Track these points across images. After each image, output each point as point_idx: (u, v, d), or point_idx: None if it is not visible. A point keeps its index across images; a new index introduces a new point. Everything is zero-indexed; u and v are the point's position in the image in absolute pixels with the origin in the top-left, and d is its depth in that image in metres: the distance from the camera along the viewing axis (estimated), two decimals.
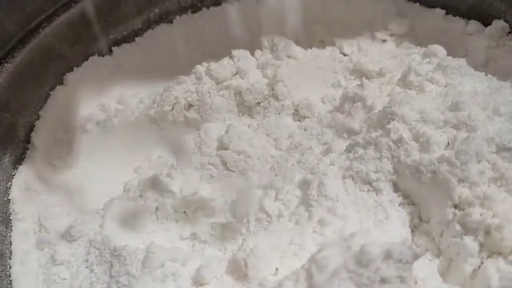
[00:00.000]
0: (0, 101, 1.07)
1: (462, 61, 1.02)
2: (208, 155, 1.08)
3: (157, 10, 1.28)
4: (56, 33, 1.16)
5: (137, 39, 1.29)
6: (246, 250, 0.83)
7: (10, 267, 0.99)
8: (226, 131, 1.09)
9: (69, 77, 1.21)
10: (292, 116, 1.11)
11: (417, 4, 1.22)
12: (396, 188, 0.90)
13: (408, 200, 0.89)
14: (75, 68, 1.22)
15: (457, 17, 1.18)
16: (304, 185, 0.94)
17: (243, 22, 1.28)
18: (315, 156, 0.98)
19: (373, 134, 0.92)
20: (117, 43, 1.28)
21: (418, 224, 0.88)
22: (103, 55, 1.26)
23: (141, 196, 1.01)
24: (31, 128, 1.14)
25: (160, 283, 0.85)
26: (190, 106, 1.13)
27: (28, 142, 1.13)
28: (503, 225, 0.74)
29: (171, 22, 1.31)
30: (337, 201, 0.89)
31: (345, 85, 1.13)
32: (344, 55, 1.20)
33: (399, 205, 0.89)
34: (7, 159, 1.08)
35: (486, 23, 1.13)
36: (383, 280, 0.66)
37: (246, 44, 1.18)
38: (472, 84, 0.96)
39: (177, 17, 1.31)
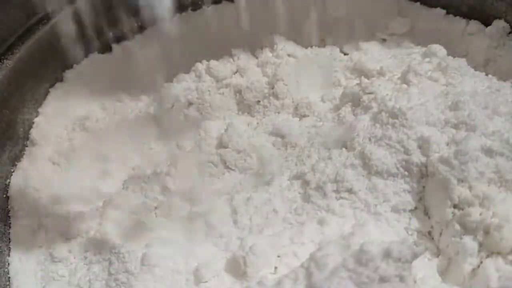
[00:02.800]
0: None
1: (462, 61, 1.02)
2: (207, 153, 1.08)
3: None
4: (56, 30, 1.16)
5: (137, 36, 1.29)
6: (245, 248, 0.83)
7: (9, 264, 0.99)
8: (226, 130, 1.08)
9: (69, 74, 1.20)
10: (292, 114, 1.11)
11: (418, 3, 1.22)
12: None
13: None
14: (74, 65, 1.22)
15: (458, 17, 1.18)
16: (304, 183, 0.94)
17: (244, 21, 1.28)
18: (315, 155, 0.98)
19: (373, 133, 0.92)
20: (117, 40, 1.27)
21: None
22: (102, 53, 1.26)
23: (140, 194, 1.01)
24: (30, 125, 1.14)
25: (159, 281, 0.85)
26: (189, 104, 1.13)
27: (27, 139, 1.13)
28: (502, 225, 0.74)
29: (171, 20, 1.30)
30: (337, 199, 0.89)
31: (345, 84, 1.13)
32: (344, 54, 1.20)
33: None
34: (6, 156, 1.08)
35: (487, 23, 1.13)
36: (382, 279, 0.66)
37: (246, 42, 1.18)
38: (472, 84, 0.96)
39: (177, 15, 1.30)
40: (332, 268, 0.69)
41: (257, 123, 1.12)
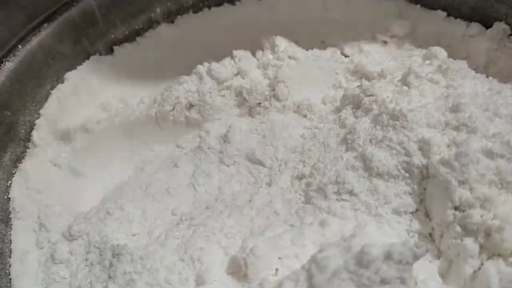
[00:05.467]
0: (1, 100, 1.07)
1: (463, 63, 1.02)
2: (208, 155, 1.08)
3: (158, 10, 1.28)
4: (57, 32, 1.16)
5: (138, 38, 1.29)
6: (246, 250, 0.83)
7: (10, 265, 0.99)
8: (227, 131, 1.09)
9: (70, 76, 1.21)
10: (293, 116, 1.11)
11: (419, 5, 1.22)
12: None
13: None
14: (76, 67, 1.22)
15: (458, 19, 1.18)
16: (305, 185, 0.94)
17: (244, 23, 1.28)
18: (316, 157, 0.98)
19: (374, 135, 0.92)
20: (119, 42, 1.28)
21: None
22: (104, 55, 1.26)
23: (142, 195, 1.02)
24: (31, 127, 1.14)
25: (160, 283, 0.85)
26: (191, 106, 1.14)
27: (29, 140, 1.13)
28: (503, 227, 0.74)
29: (172, 22, 1.31)
30: (338, 201, 0.89)
31: (346, 86, 1.13)
32: (345, 56, 1.20)
33: None
34: (8, 157, 1.08)
35: (487, 25, 1.13)
36: (383, 281, 0.66)
37: (247, 44, 1.18)
38: (473, 86, 0.96)
39: (179, 17, 1.31)
40: (333, 270, 0.69)
41: (258, 124, 1.12)
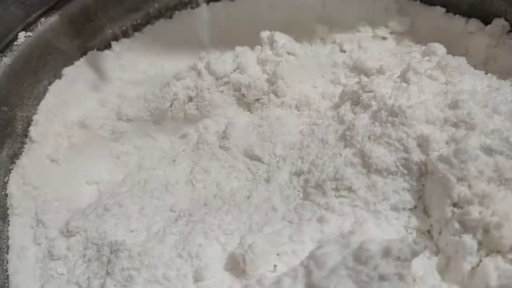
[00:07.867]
0: None
1: (462, 60, 1.02)
2: (207, 151, 1.08)
3: (157, 5, 1.28)
4: (55, 27, 1.15)
5: (136, 34, 1.29)
6: (244, 246, 0.83)
7: (7, 262, 0.99)
8: (226, 127, 1.09)
9: (68, 71, 1.20)
10: (292, 112, 1.11)
11: (418, 2, 1.22)
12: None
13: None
14: (73, 62, 1.21)
15: (458, 15, 1.18)
16: (303, 181, 0.94)
17: (243, 18, 1.28)
18: (315, 153, 0.98)
19: (373, 131, 0.92)
20: (116, 38, 1.27)
21: None
22: (102, 50, 1.26)
23: (139, 191, 1.01)
24: (29, 122, 1.14)
25: (158, 279, 0.85)
26: (189, 102, 1.13)
27: (26, 136, 1.13)
28: (502, 224, 0.74)
29: (170, 17, 1.31)
30: (336, 197, 0.89)
31: (345, 82, 1.13)
32: (344, 52, 1.20)
33: None
34: (5, 153, 1.08)
35: (487, 22, 1.13)
36: (381, 277, 0.66)
37: (246, 40, 1.18)
38: (472, 83, 0.96)
39: (177, 12, 1.31)
40: (331, 266, 0.69)
41: (257, 120, 1.12)
